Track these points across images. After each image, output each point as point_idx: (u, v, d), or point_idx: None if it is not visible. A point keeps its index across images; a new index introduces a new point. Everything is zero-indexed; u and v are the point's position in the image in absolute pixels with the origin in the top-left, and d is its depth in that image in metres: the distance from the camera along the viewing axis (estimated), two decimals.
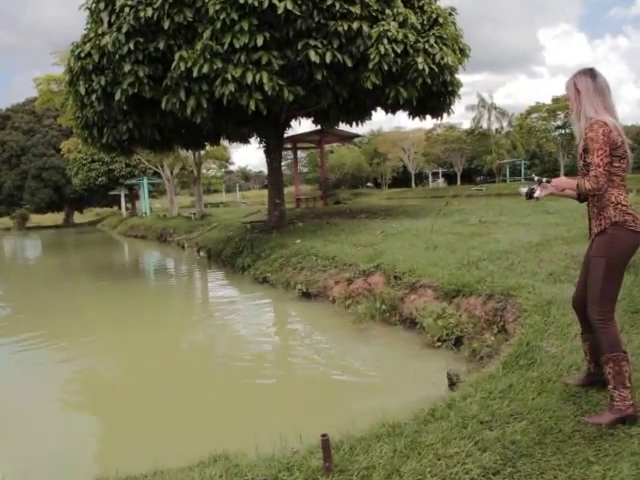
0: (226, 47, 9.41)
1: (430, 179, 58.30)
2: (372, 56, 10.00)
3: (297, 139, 21.18)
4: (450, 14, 11.88)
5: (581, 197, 2.78)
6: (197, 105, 9.89)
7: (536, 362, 3.48)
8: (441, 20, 11.16)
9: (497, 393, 3.09)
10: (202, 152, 24.23)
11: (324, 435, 2.43)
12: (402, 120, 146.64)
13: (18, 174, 44.28)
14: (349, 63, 10.04)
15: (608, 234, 2.64)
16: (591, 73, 2.71)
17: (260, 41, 9.37)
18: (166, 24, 9.55)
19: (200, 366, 5.80)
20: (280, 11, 9.20)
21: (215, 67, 9.42)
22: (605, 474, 2.25)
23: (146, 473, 2.80)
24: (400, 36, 10.09)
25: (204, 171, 36.68)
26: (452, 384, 3.77)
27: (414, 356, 5.22)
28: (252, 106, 9.83)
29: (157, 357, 6.17)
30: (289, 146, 22.07)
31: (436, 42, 10.77)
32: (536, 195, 2.81)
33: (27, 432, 4.25)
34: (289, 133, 15.83)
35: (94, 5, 10.63)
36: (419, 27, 10.77)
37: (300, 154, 40.81)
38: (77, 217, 49.10)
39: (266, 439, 2.81)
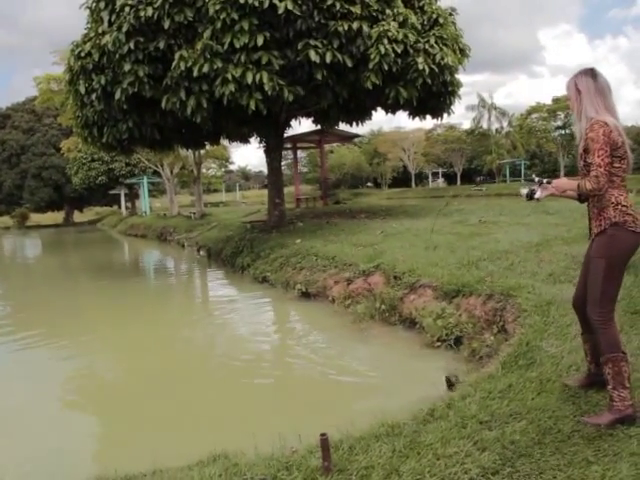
0: (226, 47, 9.42)
1: (430, 179, 58.27)
2: (372, 56, 10.00)
3: (297, 139, 21.18)
4: (450, 14, 11.89)
5: (581, 198, 2.78)
6: (197, 105, 9.90)
7: (535, 362, 3.48)
8: (441, 20, 11.18)
9: (496, 393, 3.09)
10: (202, 151, 24.26)
11: (323, 435, 2.43)
12: (402, 120, 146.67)
13: (18, 173, 44.25)
14: (349, 63, 10.04)
15: (608, 234, 2.64)
16: (592, 73, 2.71)
17: (260, 41, 9.37)
18: (166, 24, 9.56)
19: (199, 365, 5.80)
20: (280, 11, 9.21)
21: (215, 67, 9.42)
22: (604, 474, 2.25)
23: (145, 472, 2.80)
24: (400, 36, 10.10)
25: (204, 170, 36.67)
26: (450, 386, 3.77)
27: (414, 356, 5.22)
28: (252, 106, 9.83)
29: (156, 356, 6.17)
30: (289, 146, 22.06)
31: (436, 42, 10.78)
32: (537, 196, 2.81)
33: (26, 431, 4.25)
34: (289, 133, 15.84)
35: (94, 4, 10.64)
36: (419, 27, 10.79)
37: (300, 154, 40.82)
38: (77, 216, 49.12)
39: (265, 438, 2.81)
